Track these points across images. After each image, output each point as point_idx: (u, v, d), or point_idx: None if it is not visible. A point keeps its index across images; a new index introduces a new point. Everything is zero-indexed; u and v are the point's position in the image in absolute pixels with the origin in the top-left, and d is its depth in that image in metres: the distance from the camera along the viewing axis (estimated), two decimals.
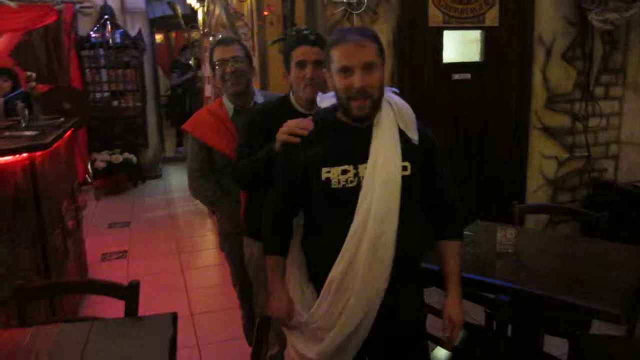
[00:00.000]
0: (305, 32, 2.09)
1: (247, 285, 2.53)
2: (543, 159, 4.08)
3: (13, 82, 4.90)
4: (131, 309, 1.93)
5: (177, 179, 7.89)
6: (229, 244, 2.59)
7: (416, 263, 1.83)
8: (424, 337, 1.93)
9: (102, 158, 6.81)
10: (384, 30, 3.50)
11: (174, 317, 1.81)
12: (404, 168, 1.69)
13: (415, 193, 1.74)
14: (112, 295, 1.97)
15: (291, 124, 1.79)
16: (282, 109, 2.07)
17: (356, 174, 1.67)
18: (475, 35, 3.83)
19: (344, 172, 1.67)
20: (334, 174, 1.67)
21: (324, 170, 1.68)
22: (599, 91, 4.15)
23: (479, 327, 2.03)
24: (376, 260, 1.66)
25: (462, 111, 3.84)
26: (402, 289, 1.74)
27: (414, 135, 1.74)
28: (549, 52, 3.94)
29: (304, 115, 1.95)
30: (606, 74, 4.15)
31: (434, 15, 3.61)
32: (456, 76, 3.77)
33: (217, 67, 2.39)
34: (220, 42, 2.47)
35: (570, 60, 4.01)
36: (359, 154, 1.68)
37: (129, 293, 1.94)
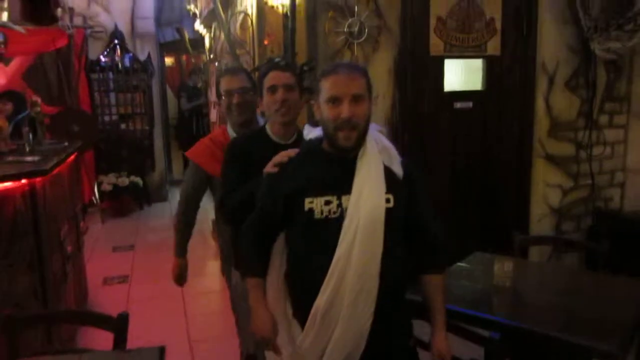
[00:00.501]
0: (276, 60, 2.22)
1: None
2: (547, 187, 4.05)
3: (15, 105, 4.94)
4: (119, 341, 1.91)
5: None
6: (228, 268, 2.59)
7: (402, 293, 1.82)
8: None
9: (109, 180, 6.86)
10: (385, 59, 3.51)
11: (162, 351, 1.78)
12: (387, 200, 1.70)
13: (397, 225, 1.74)
14: (100, 327, 1.95)
15: (276, 157, 1.81)
16: (259, 138, 2.13)
17: (339, 205, 1.68)
18: (477, 63, 3.83)
19: (327, 202, 1.68)
20: (317, 205, 1.68)
21: (307, 200, 1.69)
22: (603, 119, 4.13)
23: None
24: (362, 291, 1.65)
25: (463, 140, 3.83)
26: (391, 315, 1.74)
27: (398, 170, 1.76)
28: (551, 81, 3.92)
29: (278, 145, 2.03)
30: (610, 102, 4.12)
31: (435, 44, 3.62)
32: (458, 105, 3.76)
33: (223, 97, 2.42)
34: (226, 73, 2.54)
35: (573, 89, 3.99)
36: (343, 185, 1.69)
37: (118, 325, 1.92)
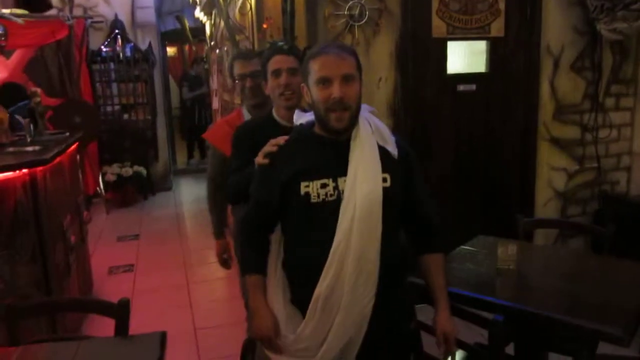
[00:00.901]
0: (279, 43, 2.18)
1: None
2: (552, 171, 4.00)
3: (15, 96, 4.94)
4: (121, 327, 1.91)
5: (187, 191, 7.93)
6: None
7: (402, 274, 1.81)
8: (421, 350, 1.91)
9: (113, 171, 6.87)
10: (387, 42, 3.46)
11: (163, 336, 1.78)
12: (384, 180, 1.68)
13: (395, 205, 1.73)
14: (102, 313, 1.95)
15: (266, 147, 1.79)
16: (266, 124, 2.16)
17: (336, 187, 1.66)
18: (481, 45, 3.78)
19: (324, 185, 1.66)
20: (313, 188, 1.66)
21: (303, 184, 1.67)
22: (609, 102, 4.06)
23: (479, 346, 1.97)
24: (362, 274, 1.63)
25: (467, 123, 3.78)
26: (391, 296, 1.72)
27: (393, 150, 1.74)
28: (557, 63, 3.86)
29: (286, 128, 2.02)
30: (616, 84, 4.06)
31: (438, 26, 3.56)
32: (461, 87, 3.71)
33: (236, 81, 2.52)
34: (239, 57, 2.60)
35: (579, 71, 3.93)
36: (338, 167, 1.67)
37: (119, 311, 1.91)
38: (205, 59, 9.12)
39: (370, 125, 1.75)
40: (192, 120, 8.89)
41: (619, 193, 4.20)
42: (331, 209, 1.64)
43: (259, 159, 1.78)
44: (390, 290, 1.71)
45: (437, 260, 1.81)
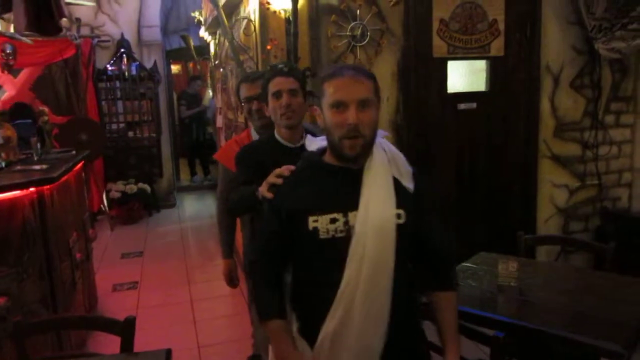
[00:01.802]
0: (279, 65, 2.21)
1: None
2: (554, 187, 4.04)
3: (21, 115, 5.02)
4: (126, 344, 1.93)
5: (191, 207, 7.96)
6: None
7: (414, 313, 1.68)
8: None
9: (117, 188, 6.92)
10: (389, 62, 3.52)
11: (168, 353, 1.80)
12: (398, 216, 1.56)
13: (408, 242, 1.60)
14: (108, 331, 1.97)
15: (270, 178, 1.73)
16: (269, 144, 2.21)
17: (346, 222, 1.54)
18: (481, 64, 3.84)
19: (333, 220, 1.54)
20: (322, 223, 1.54)
21: (311, 219, 1.55)
22: (609, 119, 4.11)
23: None
24: (371, 314, 1.53)
25: (468, 140, 3.83)
26: (403, 336, 1.62)
27: (408, 184, 1.62)
28: (556, 81, 3.92)
29: (289, 149, 2.09)
30: (616, 101, 4.11)
31: (439, 46, 3.63)
32: (462, 106, 3.76)
33: (243, 104, 2.58)
34: (245, 80, 2.64)
35: (578, 89, 3.99)
36: (349, 200, 1.55)
37: (125, 329, 1.93)
38: (200, 77, 9.22)
39: (386, 153, 1.63)
40: (190, 138, 8.95)
41: (620, 209, 4.22)
42: (341, 246, 1.53)
43: (264, 191, 1.73)
44: (402, 330, 1.61)
45: (449, 298, 1.68)
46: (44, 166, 3.36)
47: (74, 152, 4.07)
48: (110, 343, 2.59)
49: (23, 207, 2.88)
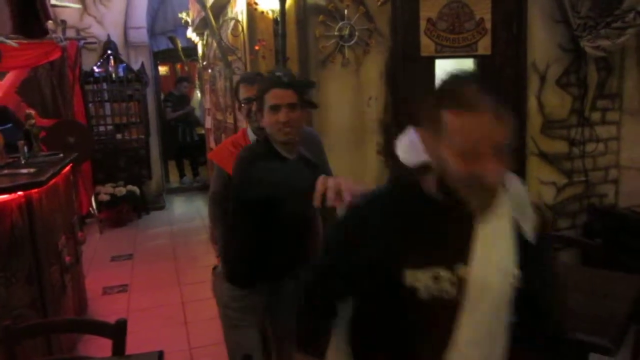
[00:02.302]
0: (277, 73, 2.02)
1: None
2: (541, 185, 4.07)
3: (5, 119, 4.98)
4: (118, 347, 1.93)
5: (180, 209, 7.93)
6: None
7: None
8: None
9: (106, 191, 6.87)
10: (377, 62, 3.54)
11: (160, 355, 1.80)
12: (513, 275, 1.22)
13: (514, 306, 1.26)
14: (99, 334, 1.97)
15: (337, 185, 1.43)
16: (268, 155, 2.01)
17: (454, 281, 1.19)
18: (468, 63, 3.86)
19: (436, 278, 1.19)
20: (421, 281, 1.19)
21: (409, 273, 1.20)
22: (595, 116, 4.15)
23: None
24: None
25: None
26: None
27: (529, 230, 1.24)
28: (543, 79, 3.96)
29: (285, 158, 1.98)
30: (602, 99, 4.14)
31: (426, 45, 3.65)
32: None
33: (242, 104, 2.54)
34: (244, 81, 2.60)
35: (565, 87, 4.02)
36: (456, 249, 1.20)
37: (116, 332, 1.93)
38: (187, 79, 9.18)
39: (507, 190, 1.24)
40: (176, 140, 8.90)
41: (607, 206, 4.26)
42: (446, 310, 1.20)
43: (319, 200, 1.48)
44: None
45: None
46: (32, 170, 3.34)
47: (61, 155, 4.04)
48: (101, 346, 2.58)
49: (11, 211, 2.87)
